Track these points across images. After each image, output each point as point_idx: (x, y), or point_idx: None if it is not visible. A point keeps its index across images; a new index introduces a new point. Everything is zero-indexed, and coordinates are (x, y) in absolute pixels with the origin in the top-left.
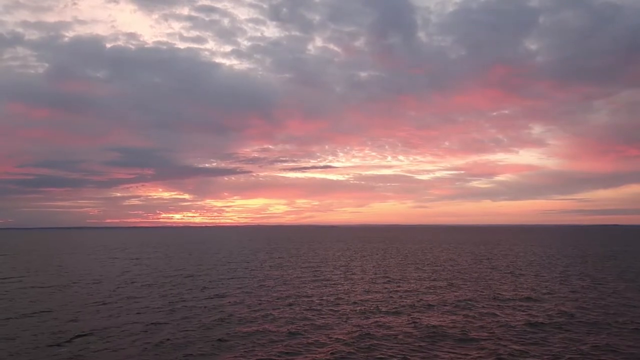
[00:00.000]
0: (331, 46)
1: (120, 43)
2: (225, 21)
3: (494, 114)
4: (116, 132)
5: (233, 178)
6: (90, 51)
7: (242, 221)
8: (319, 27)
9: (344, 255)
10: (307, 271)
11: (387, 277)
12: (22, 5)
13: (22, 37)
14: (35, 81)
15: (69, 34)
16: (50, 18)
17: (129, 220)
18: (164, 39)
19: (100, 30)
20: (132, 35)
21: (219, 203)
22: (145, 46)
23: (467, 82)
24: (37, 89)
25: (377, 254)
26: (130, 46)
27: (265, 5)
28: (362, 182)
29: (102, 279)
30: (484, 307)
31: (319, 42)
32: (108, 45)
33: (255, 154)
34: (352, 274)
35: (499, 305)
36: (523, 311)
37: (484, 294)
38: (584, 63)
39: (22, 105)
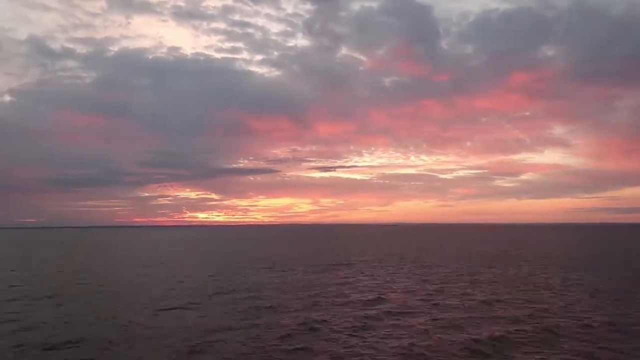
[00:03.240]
0: (357, 55)
1: (161, 55)
2: (258, 34)
3: (516, 115)
4: (152, 136)
5: (259, 178)
6: (133, 62)
7: (267, 220)
8: (345, 38)
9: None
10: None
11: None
12: (76, 25)
13: (73, 52)
14: (82, 90)
15: (115, 48)
16: (100, 34)
17: (156, 219)
18: (202, 50)
19: (144, 43)
20: (173, 48)
21: (244, 202)
22: (185, 57)
23: (488, 88)
24: (83, 97)
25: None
26: (171, 57)
27: (297, 21)
28: (386, 182)
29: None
30: None
31: (345, 51)
32: (150, 57)
33: (283, 155)
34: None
35: None
36: None
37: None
38: (603, 66)
39: (68, 112)
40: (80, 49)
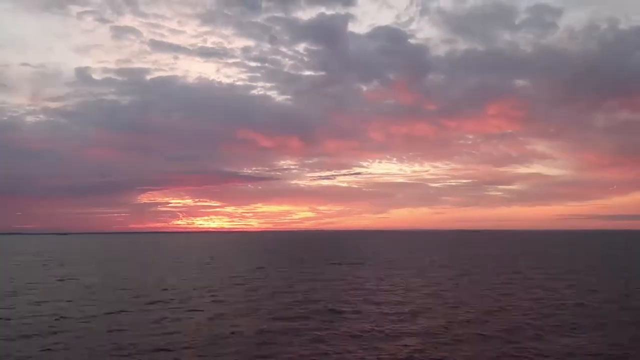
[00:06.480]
0: (358, 85)
1: (189, 82)
2: (273, 67)
3: (500, 133)
4: (167, 149)
5: (260, 187)
6: (164, 89)
7: (262, 227)
8: (348, 72)
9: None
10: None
11: None
12: (120, 60)
13: (113, 81)
14: (116, 112)
15: (149, 77)
16: (138, 67)
17: (152, 225)
18: (224, 79)
19: (174, 73)
20: (199, 77)
21: (242, 209)
22: (209, 85)
23: (473, 114)
24: (115, 118)
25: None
26: (197, 85)
27: (307, 59)
28: (381, 190)
29: None
30: None
31: (348, 81)
32: (179, 84)
33: (286, 166)
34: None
35: None
36: None
37: None
38: (571, 98)
39: (98, 130)
40: (120, 79)
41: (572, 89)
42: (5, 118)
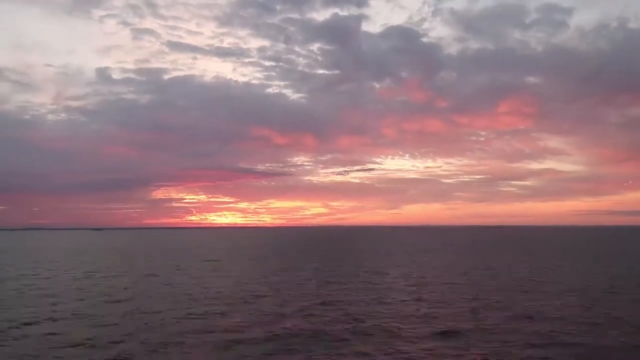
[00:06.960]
0: (371, 82)
1: (206, 81)
2: (288, 66)
3: (512, 129)
4: (182, 146)
5: (273, 183)
6: (181, 87)
7: (276, 222)
8: (361, 70)
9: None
10: None
11: None
12: (138, 60)
13: (132, 80)
14: (134, 110)
15: (167, 77)
16: (156, 66)
17: (166, 220)
18: (240, 78)
19: (192, 72)
20: (216, 76)
21: (255, 205)
22: (226, 83)
23: (484, 111)
24: (133, 115)
25: None
26: (214, 83)
27: (321, 58)
28: (394, 186)
29: None
30: None
31: (361, 80)
32: (196, 83)
33: (300, 162)
34: None
35: None
36: None
37: None
38: (583, 94)
39: (115, 128)
40: (139, 78)
41: (584, 86)
42: (28, 117)
